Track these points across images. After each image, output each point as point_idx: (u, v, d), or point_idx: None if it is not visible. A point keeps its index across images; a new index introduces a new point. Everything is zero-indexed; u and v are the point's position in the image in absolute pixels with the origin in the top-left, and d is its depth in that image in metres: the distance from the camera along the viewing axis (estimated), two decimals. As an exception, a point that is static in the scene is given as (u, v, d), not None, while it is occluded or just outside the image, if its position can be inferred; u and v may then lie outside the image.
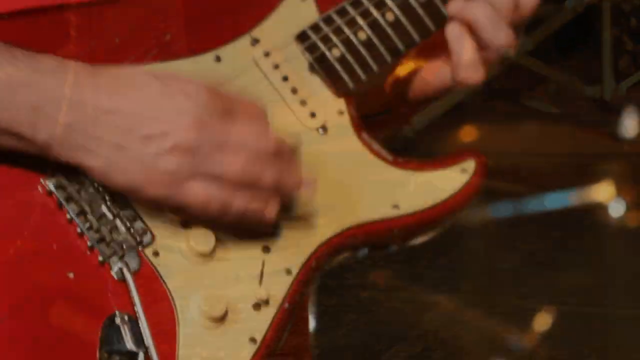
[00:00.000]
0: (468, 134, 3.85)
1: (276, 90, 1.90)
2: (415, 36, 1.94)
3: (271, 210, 1.79)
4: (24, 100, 1.73)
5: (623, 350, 5.00)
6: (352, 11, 1.94)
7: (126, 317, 1.76)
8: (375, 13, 1.94)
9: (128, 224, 1.79)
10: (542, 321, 4.14)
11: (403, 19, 1.95)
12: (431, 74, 2.08)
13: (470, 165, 1.89)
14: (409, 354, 5.12)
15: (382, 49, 1.94)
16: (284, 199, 1.81)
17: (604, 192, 3.83)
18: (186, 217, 1.79)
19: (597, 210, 3.85)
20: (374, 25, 1.94)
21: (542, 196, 4.01)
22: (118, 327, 1.76)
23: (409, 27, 1.95)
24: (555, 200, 3.96)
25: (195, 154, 1.76)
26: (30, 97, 1.74)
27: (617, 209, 3.83)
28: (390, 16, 1.95)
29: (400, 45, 1.94)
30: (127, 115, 1.75)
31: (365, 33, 1.93)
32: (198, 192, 1.76)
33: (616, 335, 5.13)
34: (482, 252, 5.55)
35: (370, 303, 4.53)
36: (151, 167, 1.74)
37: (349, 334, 5.14)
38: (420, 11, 1.95)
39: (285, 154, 1.80)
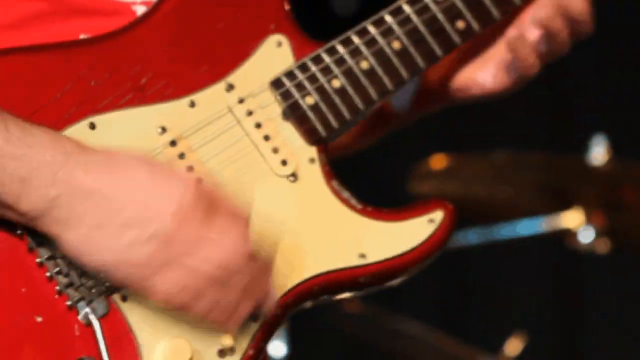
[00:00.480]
0: (438, 161, 3.86)
1: (249, 137, 1.94)
2: (389, 85, 1.99)
3: (240, 311, 1.84)
4: (13, 172, 1.77)
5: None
6: (327, 59, 1.98)
7: None
8: (350, 61, 1.98)
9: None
10: (514, 345, 3.99)
11: (377, 68, 1.99)
12: (468, 80, 2.17)
13: (438, 215, 1.96)
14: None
15: (355, 97, 1.98)
16: (252, 302, 1.85)
17: (573, 218, 3.83)
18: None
19: (566, 236, 3.82)
20: (348, 73, 1.98)
21: (514, 223, 4.02)
22: None
23: (384, 77, 1.99)
24: (527, 227, 3.98)
25: (173, 244, 1.78)
26: (20, 170, 1.76)
27: (586, 236, 3.81)
28: (364, 64, 1.99)
29: (374, 94, 1.98)
30: (111, 198, 1.79)
31: (339, 81, 1.98)
32: (170, 282, 1.79)
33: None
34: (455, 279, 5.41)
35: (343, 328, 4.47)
36: (126, 251, 1.78)
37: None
38: (394, 60, 2.00)
39: (259, 259, 1.83)
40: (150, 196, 1.82)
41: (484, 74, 2.17)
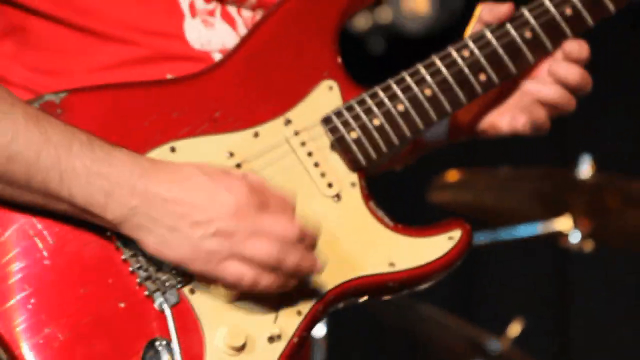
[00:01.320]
0: (453, 175, 3.96)
1: (302, 164, 1.95)
2: (421, 125, 2.01)
3: (290, 287, 1.84)
4: (99, 187, 1.80)
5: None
6: (369, 101, 1.98)
7: (164, 342, 1.82)
8: (388, 104, 1.98)
9: (171, 266, 1.85)
10: (514, 328, 4.04)
11: (411, 111, 2.00)
12: (501, 119, 2.15)
13: (456, 234, 1.97)
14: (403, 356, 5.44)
15: (392, 134, 1.98)
16: (302, 277, 1.85)
17: (564, 223, 3.82)
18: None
19: (558, 237, 3.83)
20: (387, 114, 1.98)
21: (516, 226, 4.02)
22: (157, 350, 1.82)
23: (416, 118, 1.99)
24: (526, 230, 3.97)
25: (233, 238, 1.81)
26: (104, 185, 1.80)
27: (574, 237, 3.80)
28: (400, 107, 1.99)
29: (407, 132, 1.99)
30: (181, 204, 1.81)
31: (379, 120, 1.98)
32: (233, 271, 1.81)
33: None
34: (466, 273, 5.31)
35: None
36: (197, 247, 1.81)
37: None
38: (426, 104, 2.00)
39: (306, 240, 1.84)
40: (211, 199, 1.84)
41: (502, 120, 2.15)
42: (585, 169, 3.76)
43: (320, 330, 4.06)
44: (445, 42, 2.11)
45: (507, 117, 2.13)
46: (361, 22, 4.79)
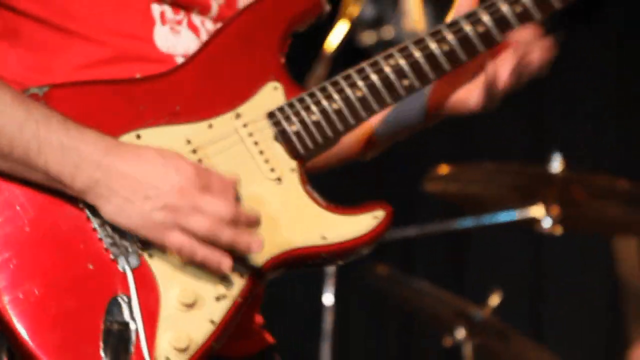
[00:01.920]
0: (443, 169, 3.99)
1: (249, 151, 1.95)
2: (352, 121, 1.98)
3: (225, 263, 1.85)
4: (70, 159, 1.82)
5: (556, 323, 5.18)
6: (308, 100, 1.97)
7: (125, 298, 1.83)
8: (324, 103, 1.97)
9: (130, 234, 1.86)
10: (494, 299, 4.06)
11: (344, 109, 1.97)
12: (468, 95, 2.06)
13: (380, 213, 1.94)
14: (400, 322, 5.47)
15: (327, 129, 1.97)
16: (238, 254, 1.85)
17: (538, 211, 3.87)
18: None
19: (533, 223, 3.88)
20: (323, 111, 1.97)
21: (497, 213, 4.06)
22: (119, 304, 1.82)
23: (348, 115, 1.98)
24: (506, 216, 4.00)
25: (177, 212, 1.83)
26: (75, 158, 1.82)
27: (546, 223, 3.85)
28: (335, 106, 1.97)
29: (340, 127, 1.98)
30: (136, 180, 1.83)
31: (316, 116, 1.97)
32: (174, 240, 1.83)
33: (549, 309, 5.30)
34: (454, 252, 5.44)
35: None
36: (147, 217, 1.83)
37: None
38: (357, 104, 1.97)
39: (241, 220, 1.86)
40: (162, 178, 1.84)
41: (470, 97, 2.05)
42: (556, 165, 3.82)
43: (329, 300, 4.12)
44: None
45: (475, 94, 2.06)
46: (369, 38, 4.78)
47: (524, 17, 2.00)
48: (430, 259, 5.40)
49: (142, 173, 1.83)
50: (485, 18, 1.99)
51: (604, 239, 4.71)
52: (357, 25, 4.46)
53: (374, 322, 5.51)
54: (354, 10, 4.11)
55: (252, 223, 1.88)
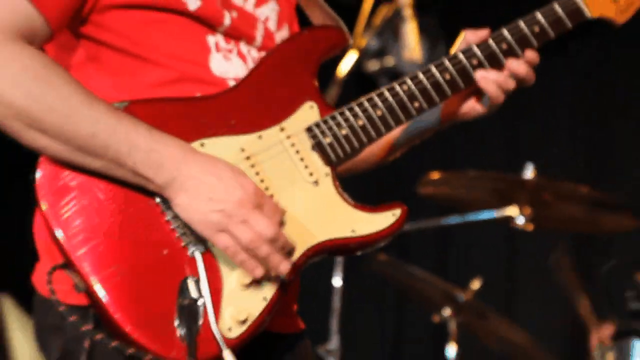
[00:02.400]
0: (435, 175, 4.00)
1: (291, 158, 1.98)
2: (374, 136, 2.03)
3: (258, 272, 1.86)
4: (154, 159, 1.85)
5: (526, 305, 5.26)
6: (339, 117, 2.02)
7: (194, 279, 1.85)
8: (352, 120, 2.02)
9: None
10: (475, 284, 4.17)
11: (367, 125, 2.02)
12: (470, 106, 2.14)
13: (397, 212, 1.99)
14: (396, 302, 5.56)
15: (354, 141, 2.02)
16: (268, 268, 1.86)
17: (513, 211, 3.88)
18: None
19: (509, 221, 3.91)
20: (351, 127, 2.02)
21: (478, 212, 4.07)
22: (189, 284, 1.85)
23: (371, 130, 2.02)
24: (486, 215, 4.01)
25: (230, 219, 1.85)
26: (158, 159, 1.85)
27: (520, 221, 3.87)
28: (360, 122, 2.01)
29: (365, 140, 2.03)
30: (206, 183, 1.85)
31: (346, 131, 2.01)
32: (222, 241, 1.86)
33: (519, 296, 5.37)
34: (443, 244, 5.48)
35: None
36: (205, 215, 1.85)
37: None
38: (378, 121, 2.03)
39: (280, 242, 1.87)
40: (226, 187, 1.86)
41: (477, 104, 2.15)
42: (529, 173, 3.89)
43: (337, 282, 4.14)
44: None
45: (479, 103, 2.15)
46: (373, 66, 4.84)
47: (508, 53, 2.12)
48: (422, 250, 5.43)
49: (212, 179, 1.86)
50: (478, 53, 2.09)
51: (568, 234, 4.84)
52: (364, 55, 4.51)
53: (375, 302, 5.53)
54: (362, 42, 4.21)
55: (288, 247, 1.89)
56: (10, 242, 6.92)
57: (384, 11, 4.37)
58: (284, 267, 1.88)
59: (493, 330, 4.33)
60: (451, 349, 4.22)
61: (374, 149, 2.26)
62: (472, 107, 2.17)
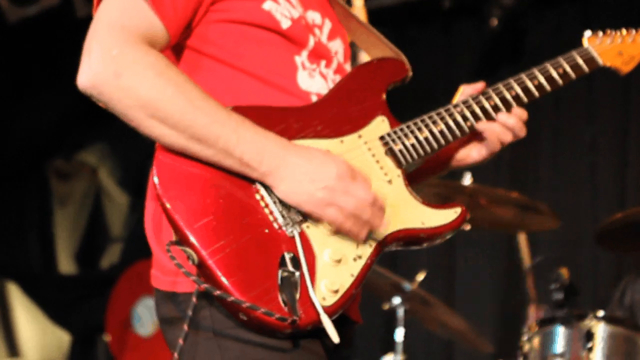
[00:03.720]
0: None
1: (368, 160, 2.03)
2: (435, 146, 2.09)
3: (363, 233, 1.91)
4: (259, 150, 1.87)
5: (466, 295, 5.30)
6: (406, 129, 2.08)
7: (292, 255, 1.86)
8: (417, 132, 2.08)
9: (296, 210, 1.90)
10: (420, 276, 4.18)
11: (430, 137, 2.08)
12: (474, 152, 2.20)
13: (458, 210, 2.06)
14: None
15: (420, 149, 2.07)
16: (372, 228, 1.92)
17: None
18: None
19: None
20: (416, 138, 2.07)
21: None
22: (288, 259, 1.85)
23: (433, 142, 2.08)
24: None
25: (334, 192, 1.89)
26: (262, 149, 1.87)
27: None
28: (423, 135, 2.07)
29: (428, 149, 2.08)
30: (305, 167, 1.89)
31: (412, 140, 2.07)
32: (330, 213, 1.89)
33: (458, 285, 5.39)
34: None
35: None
36: (311, 194, 1.88)
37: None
38: (438, 135, 2.09)
39: (377, 203, 1.92)
40: (325, 167, 1.88)
41: (472, 152, 2.21)
42: (467, 180, 3.94)
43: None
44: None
45: (475, 150, 2.22)
46: None
47: (496, 110, 2.18)
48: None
49: (309, 163, 1.89)
50: (475, 106, 2.17)
51: (500, 233, 4.85)
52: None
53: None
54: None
55: (383, 208, 1.95)
56: (12, 234, 6.71)
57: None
58: (385, 224, 1.93)
59: (436, 316, 4.34)
60: (399, 333, 4.22)
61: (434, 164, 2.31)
62: (468, 154, 2.24)
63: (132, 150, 6.10)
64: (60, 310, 6.33)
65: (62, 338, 6.31)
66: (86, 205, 6.52)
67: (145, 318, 6.00)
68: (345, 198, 1.89)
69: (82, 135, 6.44)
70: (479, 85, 2.24)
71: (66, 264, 6.49)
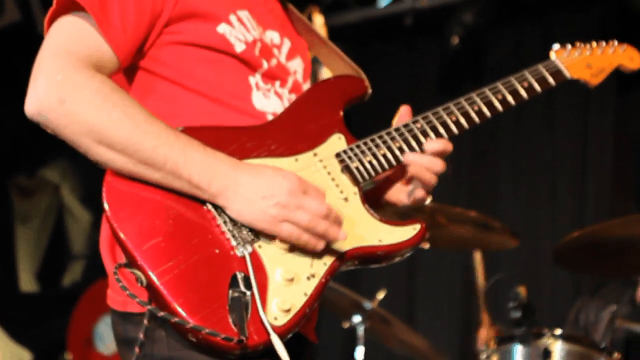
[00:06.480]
0: None
1: (324, 178, 2.02)
2: (394, 163, 2.06)
3: (320, 246, 1.89)
4: (208, 171, 1.85)
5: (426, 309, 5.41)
6: (363, 146, 2.06)
7: (243, 275, 1.85)
8: (374, 149, 2.06)
9: (247, 229, 1.88)
10: (380, 294, 4.11)
11: (388, 154, 2.05)
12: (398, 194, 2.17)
13: (417, 226, 2.04)
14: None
15: (377, 166, 2.05)
16: (329, 240, 1.90)
17: None
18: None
19: None
20: (373, 155, 2.05)
21: None
22: (239, 279, 1.83)
23: (391, 159, 2.06)
24: None
25: (287, 208, 1.87)
26: (210, 170, 1.86)
27: None
28: (381, 152, 2.05)
29: (385, 166, 2.05)
30: (256, 185, 1.87)
31: (369, 157, 2.05)
32: (285, 229, 1.87)
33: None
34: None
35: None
36: (264, 212, 1.86)
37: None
38: (396, 152, 2.06)
39: (332, 215, 1.91)
40: (275, 183, 1.86)
41: (402, 195, 2.18)
42: (427, 200, 3.94)
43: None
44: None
45: (404, 194, 2.18)
46: None
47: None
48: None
49: (260, 181, 1.88)
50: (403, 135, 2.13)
51: (458, 252, 4.88)
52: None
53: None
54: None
55: (339, 219, 1.93)
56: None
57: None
58: (341, 235, 1.92)
59: (396, 334, 4.31)
60: (360, 352, 4.19)
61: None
62: (397, 197, 2.19)
63: (95, 167, 6.11)
64: (21, 329, 6.30)
65: (23, 356, 6.23)
66: (48, 222, 6.54)
67: (107, 336, 5.97)
68: (299, 212, 1.88)
69: (45, 152, 6.48)
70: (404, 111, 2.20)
71: (27, 282, 6.48)
